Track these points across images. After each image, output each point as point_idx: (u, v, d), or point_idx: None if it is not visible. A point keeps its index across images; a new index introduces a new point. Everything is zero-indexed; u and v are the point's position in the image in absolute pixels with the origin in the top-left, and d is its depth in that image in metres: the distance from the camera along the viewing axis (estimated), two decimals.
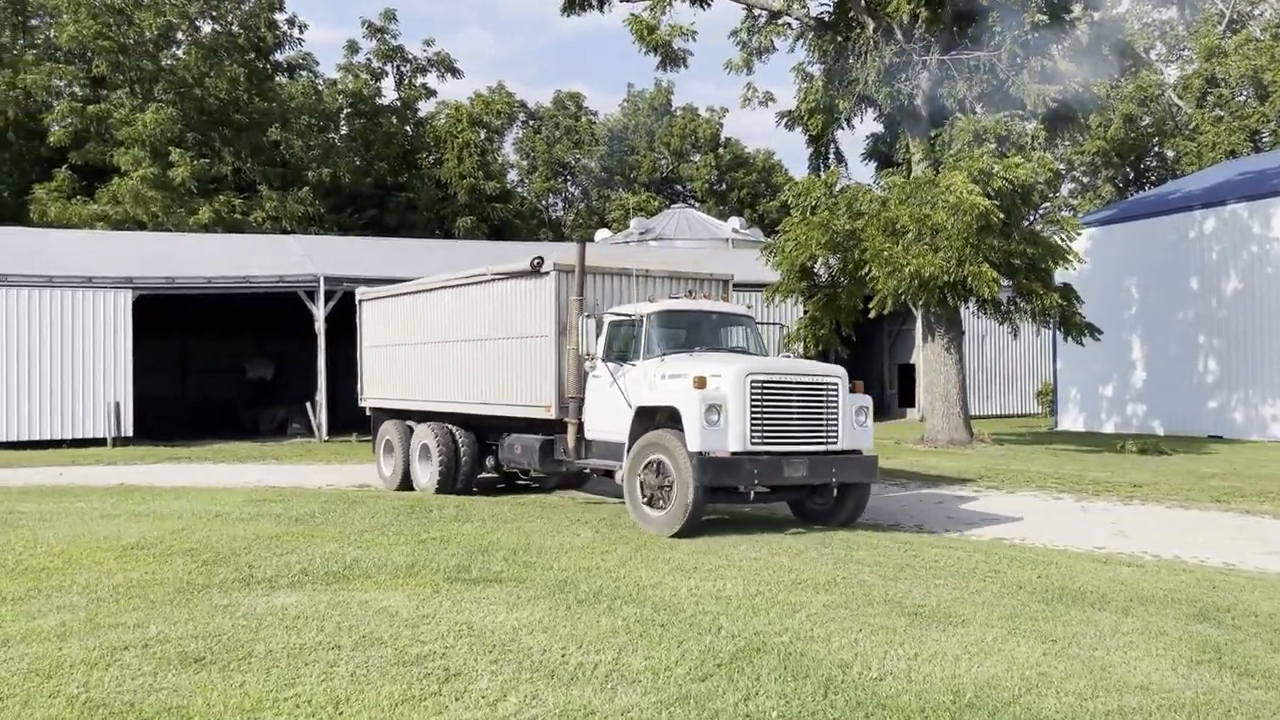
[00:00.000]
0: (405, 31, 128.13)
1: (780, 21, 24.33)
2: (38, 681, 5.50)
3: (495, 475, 15.18)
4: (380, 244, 34.87)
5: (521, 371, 13.21)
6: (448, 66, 50.92)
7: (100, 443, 23.24)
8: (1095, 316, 22.86)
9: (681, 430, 10.42)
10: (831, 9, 24.19)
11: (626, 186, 63.64)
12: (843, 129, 25.28)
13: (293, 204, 41.58)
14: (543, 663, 5.87)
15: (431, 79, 51.25)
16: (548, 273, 12.67)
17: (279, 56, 47.37)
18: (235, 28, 44.19)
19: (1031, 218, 22.49)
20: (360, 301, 17.94)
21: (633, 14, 23.96)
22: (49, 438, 23.09)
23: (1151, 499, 14.62)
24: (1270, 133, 44.61)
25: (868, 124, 38.50)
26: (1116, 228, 29.36)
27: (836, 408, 10.95)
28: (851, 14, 23.46)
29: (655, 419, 11.10)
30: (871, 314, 22.33)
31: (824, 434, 10.88)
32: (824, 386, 10.94)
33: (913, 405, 33.27)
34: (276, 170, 43.09)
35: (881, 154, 26.18)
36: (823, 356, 22.93)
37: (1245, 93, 46.05)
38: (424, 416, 15.23)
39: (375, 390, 17.25)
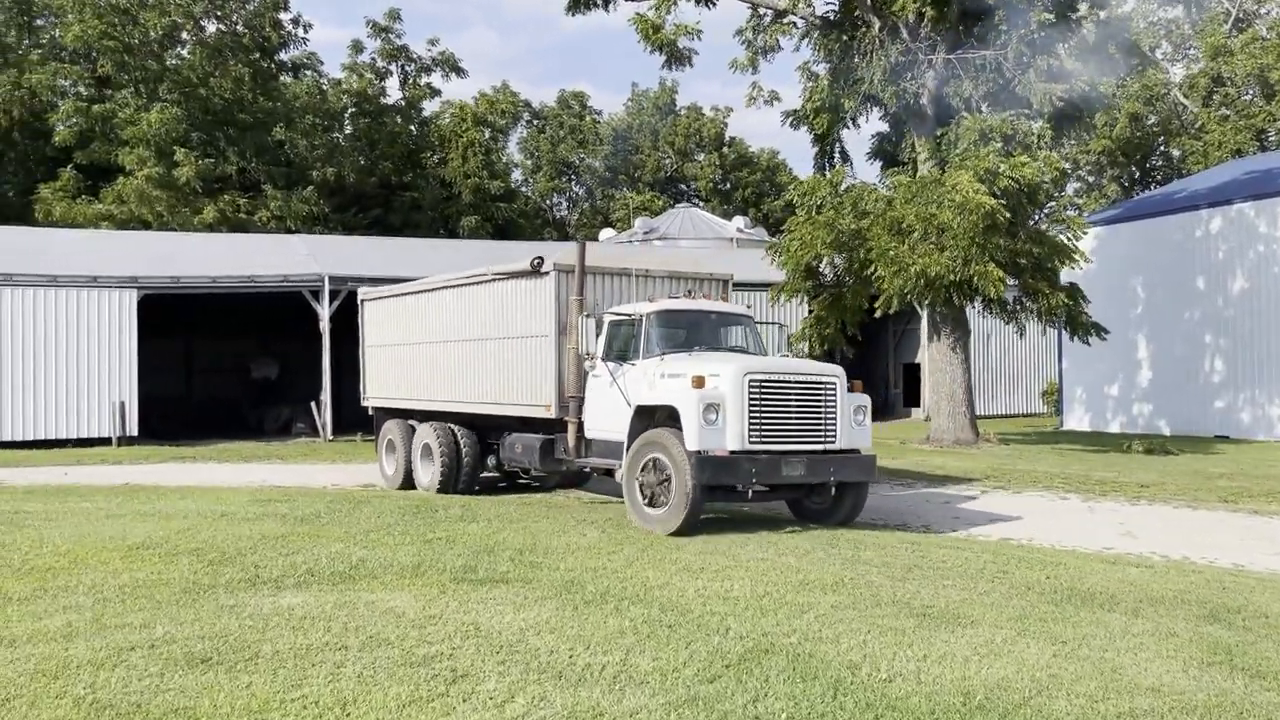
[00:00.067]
0: (410, 31, 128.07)
1: (786, 20, 24.29)
2: (44, 682, 5.48)
3: (497, 474, 15.21)
4: (385, 243, 34.84)
5: (522, 371, 13.23)
6: (452, 66, 51.00)
7: (105, 442, 23.25)
8: (1101, 316, 22.84)
9: (680, 429, 10.42)
10: (837, 8, 24.13)
11: (631, 186, 63.56)
12: (848, 128, 25.35)
13: (297, 203, 41.61)
14: (550, 663, 5.85)
15: (436, 78, 51.48)
16: (548, 272, 12.69)
17: (284, 56, 47.46)
18: (240, 27, 44.24)
19: (1037, 217, 22.45)
20: (362, 302, 17.94)
21: (638, 13, 23.96)
22: (54, 437, 23.08)
23: (1159, 499, 14.58)
24: (1276, 131, 44.50)
25: (873, 123, 38.47)
26: (1122, 227, 29.30)
27: (835, 407, 10.95)
28: (857, 13, 23.42)
29: (654, 418, 11.11)
30: (877, 313, 22.32)
31: (822, 433, 10.88)
32: (822, 386, 10.94)
33: (918, 405, 33.23)
34: (281, 170, 43.13)
35: (887, 153, 26.17)
36: (828, 356, 22.90)
37: (1251, 91, 45.94)
38: (426, 416, 15.25)
39: (377, 390, 17.27)
